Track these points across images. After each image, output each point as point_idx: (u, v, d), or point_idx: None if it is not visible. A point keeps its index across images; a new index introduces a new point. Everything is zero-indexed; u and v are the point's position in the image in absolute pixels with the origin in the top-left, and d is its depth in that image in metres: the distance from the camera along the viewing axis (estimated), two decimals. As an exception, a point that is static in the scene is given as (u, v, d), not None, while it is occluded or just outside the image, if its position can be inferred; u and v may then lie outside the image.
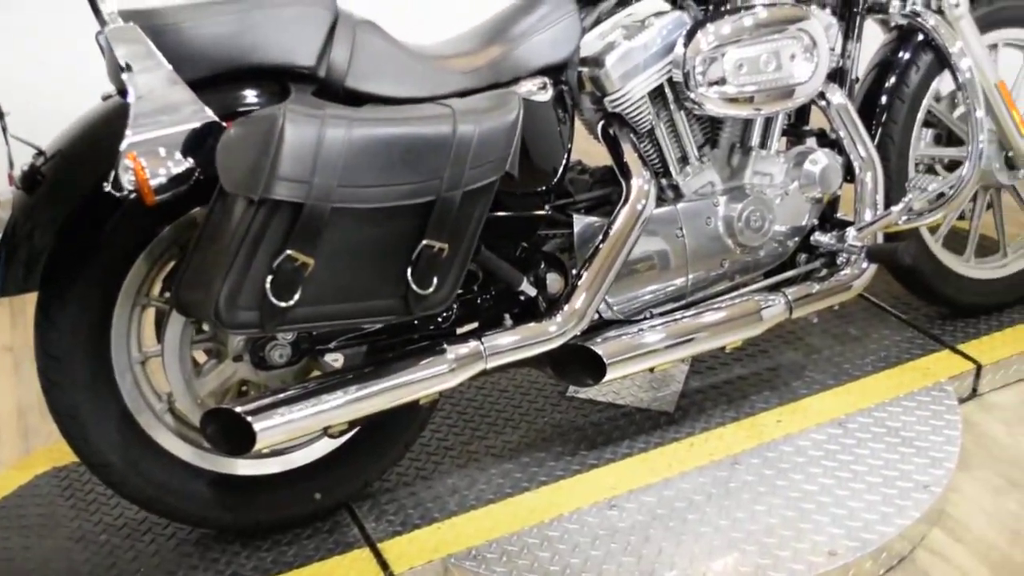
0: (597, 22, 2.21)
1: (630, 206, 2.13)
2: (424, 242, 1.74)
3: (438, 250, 1.75)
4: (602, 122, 2.22)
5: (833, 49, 2.35)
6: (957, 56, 2.39)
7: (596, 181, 2.28)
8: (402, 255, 1.76)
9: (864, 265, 2.34)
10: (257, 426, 1.83)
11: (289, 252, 1.64)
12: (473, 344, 2.00)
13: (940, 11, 2.47)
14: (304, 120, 1.62)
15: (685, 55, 2.11)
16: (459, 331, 2.09)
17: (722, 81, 2.13)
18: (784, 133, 2.44)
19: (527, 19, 2.09)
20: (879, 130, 2.51)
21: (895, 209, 2.33)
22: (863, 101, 2.55)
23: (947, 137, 2.68)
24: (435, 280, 1.78)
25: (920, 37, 2.51)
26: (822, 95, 2.37)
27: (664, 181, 2.28)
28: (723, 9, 2.19)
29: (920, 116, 2.57)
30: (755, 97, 2.17)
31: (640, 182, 2.14)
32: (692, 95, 2.13)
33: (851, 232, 2.31)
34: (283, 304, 1.68)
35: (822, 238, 2.37)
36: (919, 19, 2.41)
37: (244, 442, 1.83)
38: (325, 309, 1.73)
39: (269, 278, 1.66)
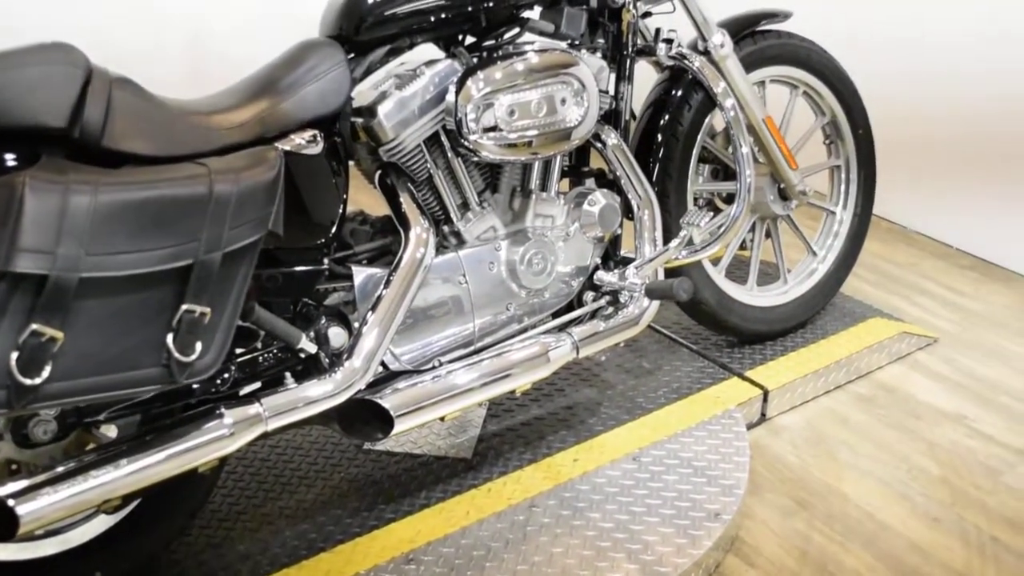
0: (368, 72, 2.20)
1: (409, 255, 2.12)
2: (184, 307, 1.68)
3: (199, 315, 1.69)
4: (379, 172, 2.20)
5: (605, 91, 2.41)
6: (721, 96, 2.48)
7: (377, 232, 2.26)
8: (161, 322, 1.69)
9: (645, 303, 2.38)
10: (20, 509, 1.72)
11: (35, 327, 1.56)
12: (252, 406, 1.94)
13: (707, 52, 2.56)
14: (46, 187, 1.55)
15: (456, 102, 2.12)
16: (242, 392, 2.03)
17: (495, 127, 2.14)
18: (565, 174, 2.48)
19: (295, 71, 2.06)
20: (656, 167, 2.58)
21: (671, 245, 2.39)
22: (640, 140, 2.62)
23: (724, 172, 2.78)
24: (199, 346, 1.71)
25: (690, 76, 2.60)
26: (597, 137, 2.42)
27: (446, 228, 2.28)
28: (494, 56, 2.21)
29: (695, 152, 2.65)
30: (528, 142, 2.19)
31: (418, 231, 2.13)
32: (466, 142, 2.13)
33: (631, 270, 2.36)
34: (32, 381, 1.58)
35: (604, 277, 2.41)
36: (685, 61, 2.49)
37: (7, 527, 1.72)
38: (81, 383, 1.64)
39: (14, 354, 1.57)
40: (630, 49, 2.44)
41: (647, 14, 2.53)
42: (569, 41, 2.40)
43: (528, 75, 2.18)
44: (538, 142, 2.20)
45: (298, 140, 2.01)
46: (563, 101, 2.22)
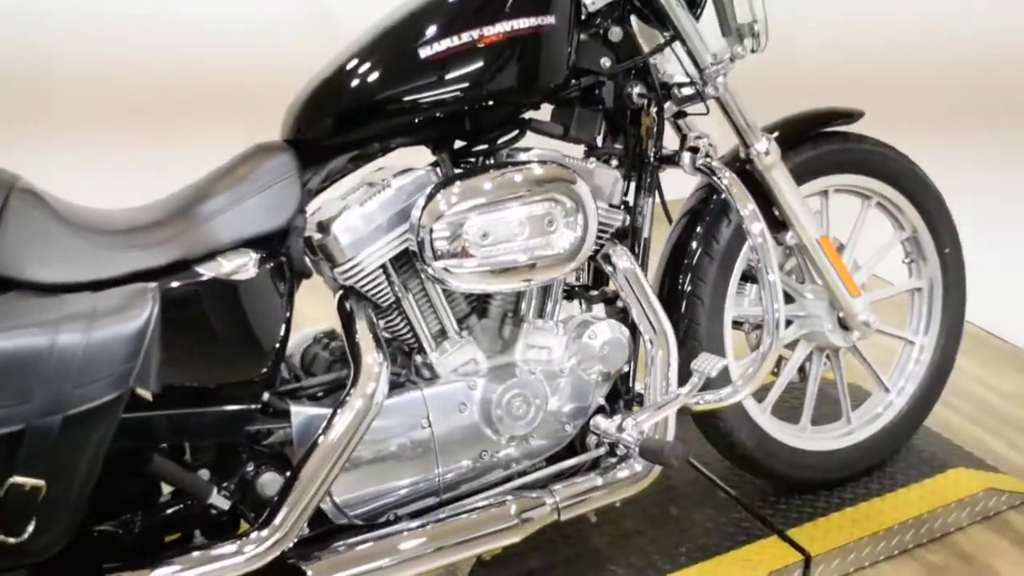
0: (328, 179, 1.93)
1: (357, 392, 1.82)
2: (11, 480, 1.42)
3: (31, 489, 1.43)
4: (339, 294, 1.93)
5: (618, 206, 2.08)
6: (748, 219, 2.10)
7: (335, 360, 1.99)
8: None
9: (640, 464, 2.02)
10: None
11: None
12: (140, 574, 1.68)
13: (748, 160, 2.20)
14: None
15: (419, 221, 1.83)
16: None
17: (463, 252, 1.84)
18: (570, 295, 2.15)
19: (235, 182, 1.81)
20: (685, 289, 2.23)
21: (681, 392, 2.03)
22: (671, 255, 2.27)
23: (775, 293, 2.39)
24: (33, 525, 1.46)
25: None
26: (608, 258, 2.08)
27: (418, 359, 1.99)
28: (475, 167, 1.92)
29: (736, 272, 2.28)
30: (504, 270, 1.88)
31: (369, 362, 1.84)
32: (429, 268, 1.84)
33: (629, 421, 2.00)
34: None
35: (601, 423, 2.05)
36: (714, 177, 2.13)
37: None
38: None
39: None
40: (651, 158, 2.10)
41: (681, 114, 2.18)
42: (584, 146, 2.09)
43: (508, 191, 1.86)
44: (517, 271, 1.89)
45: (226, 264, 1.75)
46: (550, 223, 1.89)
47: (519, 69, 1.93)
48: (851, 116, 2.37)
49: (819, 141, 2.34)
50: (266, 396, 1.84)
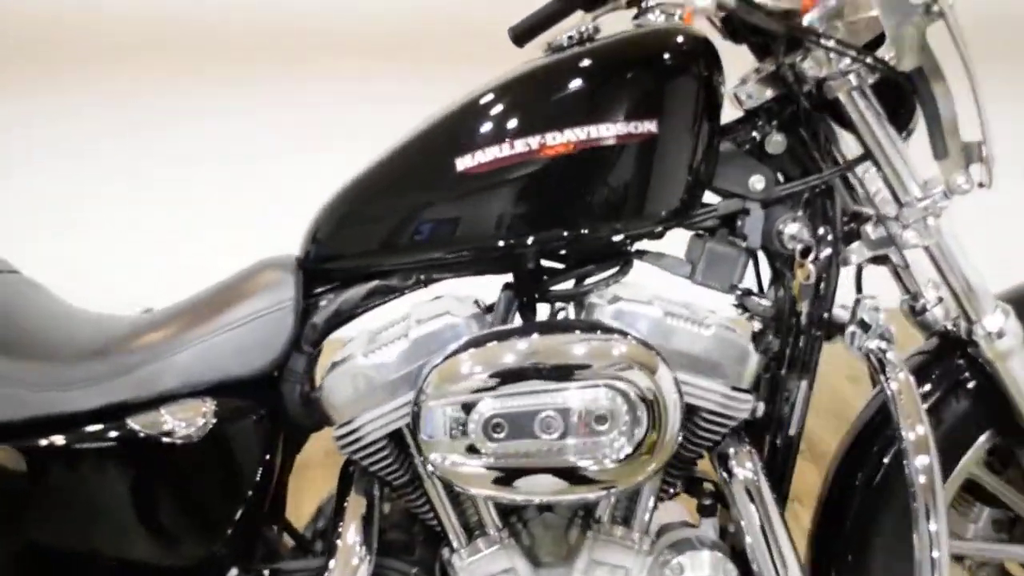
0: (343, 314, 1.49)
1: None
2: None
3: None
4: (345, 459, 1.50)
5: (755, 390, 1.46)
6: (912, 448, 1.37)
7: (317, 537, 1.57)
8: None
9: None
10: None
11: None
12: None
13: (970, 342, 1.49)
14: None
15: (421, 391, 1.35)
16: None
17: (469, 447, 1.34)
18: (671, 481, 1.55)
19: (218, 310, 1.44)
20: (854, 522, 1.56)
21: None
22: (842, 462, 1.60)
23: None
24: None
25: (960, 364, 1.54)
26: (724, 459, 1.47)
27: (445, 554, 1.51)
28: (523, 326, 1.41)
29: (954, 490, 1.58)
30: (525, 477, 1.35)
31: (346, 558, 1.40)
32: (426, 461, 1.36)
33: None
34: None
35: None
36: (881, 375, 1.42)
37: None
38: None
39: None
40: (808, 324, 1.47)
41: (879, 260, 1.52)
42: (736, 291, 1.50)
43: (548, 367, 1.33)
44: (542, 482, 1.35)
45: (167, 419, 1.38)
46: (601, 420, 1.34)
47: (597, 190, 1.39)
48: None
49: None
50: (233, 573, 1.46)
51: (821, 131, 1.47)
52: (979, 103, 1.39)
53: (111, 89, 3.84)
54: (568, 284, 1.50)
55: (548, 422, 1.33)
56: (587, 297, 1.46)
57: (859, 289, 1.52)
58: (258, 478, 1.44)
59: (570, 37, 1.44)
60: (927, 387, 1.55)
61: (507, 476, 1.35)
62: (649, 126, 1.36)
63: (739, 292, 1.52)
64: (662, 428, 1.34)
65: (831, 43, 1.38)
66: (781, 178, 1.48)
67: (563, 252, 1.50)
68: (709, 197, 1.48)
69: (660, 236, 1.49)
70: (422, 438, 1.34)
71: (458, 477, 1.35)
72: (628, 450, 1.34)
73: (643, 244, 1.50)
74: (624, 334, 1.35)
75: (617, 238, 1.45)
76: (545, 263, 1.51)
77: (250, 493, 1.44)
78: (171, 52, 3.86)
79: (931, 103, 1.40)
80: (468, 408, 1.33)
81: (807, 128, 1.46)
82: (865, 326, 1.44)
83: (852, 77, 1.40)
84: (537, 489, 1.36)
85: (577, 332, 1.35)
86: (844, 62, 1.40)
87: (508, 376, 1.32)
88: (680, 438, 1.38)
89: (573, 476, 1.34)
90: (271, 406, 1.45)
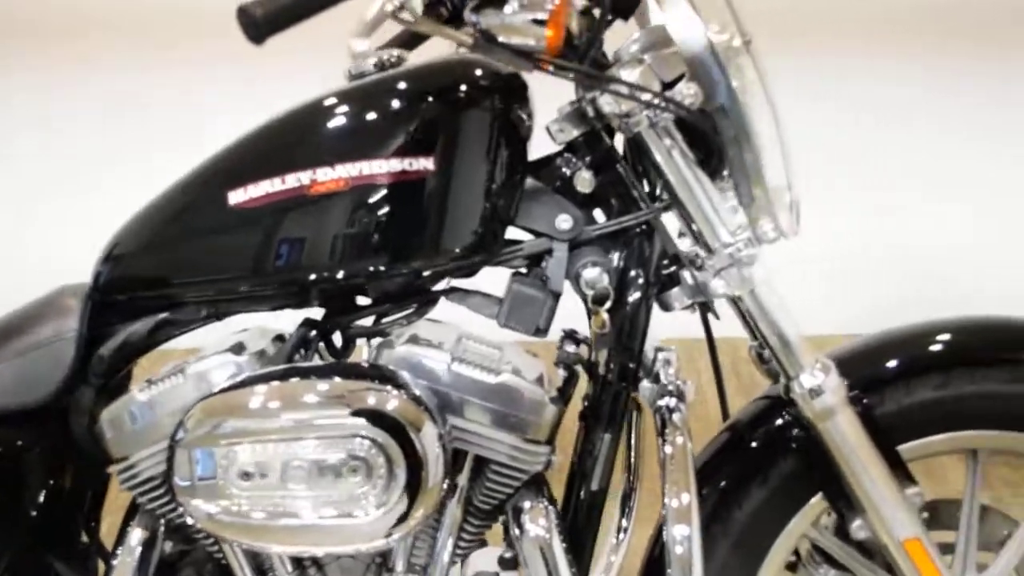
0: (130, 350, 1.44)
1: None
2: None
3: None
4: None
5: (551, 440, 1.38)
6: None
7: None
8: None
9: None
10: None
11: None
12: None
13: (788, 400, 1.39)
14: None
15: (175, 434, 1.30)
16: None
17: (223, 495, 1.28)
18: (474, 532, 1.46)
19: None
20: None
21: None
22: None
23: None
24: None
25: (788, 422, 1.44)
26: (517, 514, 1.39)
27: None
28: (286, 367, 1.35)
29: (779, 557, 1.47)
30: (273, 529, 1.29)
31: None
32: (176, 499, 1.31)
33: None
34: None
35: None
36: (660, 441, 1.31)
37: None
38: None
39: None
40: (614, 381, 1.37)
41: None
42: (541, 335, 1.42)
43: (296, 414, 1.27)
44: (294, 532, 1.29)
45: None
46: (354, 472, 1.27)
47: (379, 227, 1.31)
48: None
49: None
50: None
51: (635, 170, 1.38)
52: (783, 146, 1.28)
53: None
54: (368, 321, 1.44)
55: (297, 472, 1.27)
56: (385, 336, 1.40)
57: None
58: (36, 511, 1.41)
59: (374, 65, 1.38)
60: (755, 442, 1.46)
61: (260, 527, 1.29)
62: (425, 163, 1.29)
63: (562, 335, 1.45)
64: (422, 484, 1.27)
65: (587, 78, 1.28)
66: (603, 218, 1.40)
67: (365, 289, 1.43)
68: (524, 235, 1.41)
69: (471, 274, 1.42)
70: (176, 482, 1.30)
71: (212, 525, 1.30)
72: (384, 505, 1.27)
73: (458, 282, 1.43)
74: (398, 385, 1.28)
75: (415, 276, 1.38)
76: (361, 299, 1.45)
77: (30, 527, 1.41)
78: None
79: (733, 145, 1.30)
80: (219, 454, 1.28)
81: (620, 166, 1.37)
82: (658, 380, 1.35)
83: (650, 114, 1.31)
84: (293, 540, 1.30)
85: (337, 379, 1.29)
86: (645, 97, 1.31)
87: (258, 422, 1.27)
88: (466, 490, 1.31)
89: (325, 530, 1.28)
90: (55, 439, 1.41)
